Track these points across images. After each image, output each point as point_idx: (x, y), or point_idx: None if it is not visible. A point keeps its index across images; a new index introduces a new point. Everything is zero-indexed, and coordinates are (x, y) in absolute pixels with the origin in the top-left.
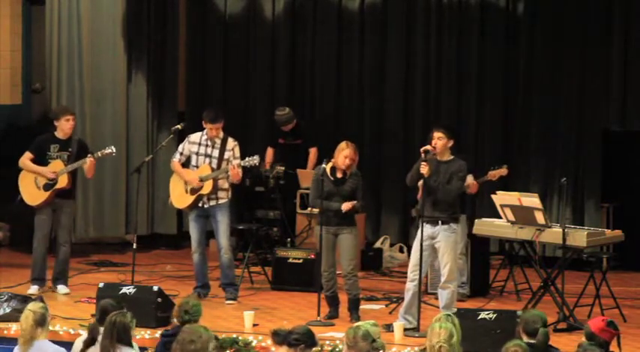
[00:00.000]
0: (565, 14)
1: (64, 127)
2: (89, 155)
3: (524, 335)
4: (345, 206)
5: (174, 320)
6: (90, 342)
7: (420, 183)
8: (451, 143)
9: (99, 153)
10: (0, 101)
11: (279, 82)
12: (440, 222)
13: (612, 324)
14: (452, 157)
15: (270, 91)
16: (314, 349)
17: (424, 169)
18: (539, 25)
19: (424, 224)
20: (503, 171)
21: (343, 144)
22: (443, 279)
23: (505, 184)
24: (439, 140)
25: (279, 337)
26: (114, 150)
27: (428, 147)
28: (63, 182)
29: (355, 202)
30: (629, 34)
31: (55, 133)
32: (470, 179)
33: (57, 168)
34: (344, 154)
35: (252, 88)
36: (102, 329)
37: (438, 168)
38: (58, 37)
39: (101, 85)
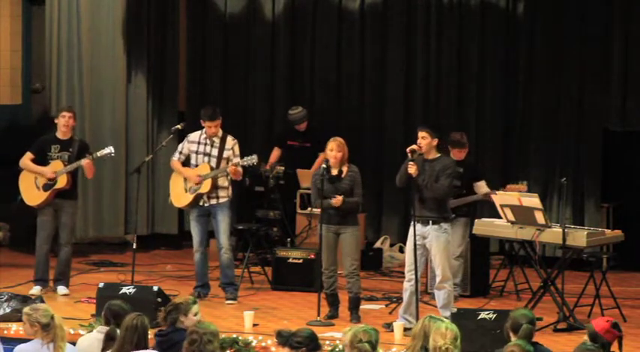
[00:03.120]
0: (565, 14)
1: (59, 124)
2: (87, 155)
3: (511, 333)
4: (336, 201)
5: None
6: (109, 346)
7: None
8: (436, 142)
9: (97, 154)
10: (0, 101)
11: (279, 82)
12: (430, 221)
13: (617, 326)
14: (438, 155)
15: (270, 91)
16: None
17: (412, 169)
18: (539, 25)
19: (414, 223)
20: (522, 187)
21: (329, 140)
22: (437, 280)
23: (505, 184)
24: (423, 139)
25: (282, 338)
26: (112, 151)
27: (414, 146)
28: (62, 182)
29: (343, 197)
30: (629, 34)
31: (57, 134)
32: (484, 186)
33: (56, 168)
34: (329, 148)
35: (252, 88)
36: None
37: (423, 167)
38: (58, 37)
39: (101, 85)
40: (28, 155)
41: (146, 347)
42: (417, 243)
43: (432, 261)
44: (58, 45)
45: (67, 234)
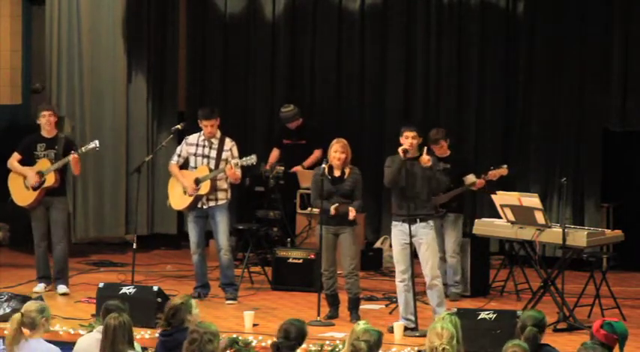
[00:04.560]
0: (565, 14)
1: (42, 124)
2: (72, 151)
3: (521, 335)
4: (352, 214)
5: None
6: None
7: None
8: (421, 140)
9: (82, 149)
10: (0, 101)
11: (279, 82)
12: (418, 219)
13: (608, 326)
14: (419, 154)
15: (270, 91)
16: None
17: (428, 162)
18: (539, 25)
19: (402, 222)
20: (503, 171)
21: (333, 141)
22: (428, 280)
23: (505, 184)
24: (414, 139)
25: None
26: (97, 145)
27: (406, 146)
28: (50, 180)
29: (353, 207)
30: (629, 34)
31: (41, 132)
32: (472, 177)
33: (43, 166)
34: (333, 150)
35: (252, 88)
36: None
37: (412, 166)
38: (58, 37)
39: (101, 84)
40: (15, 155)
41: (133, 343)
42: (405, 241)
43: (420, 259)
44: (58, 45)
45: (60, 231)
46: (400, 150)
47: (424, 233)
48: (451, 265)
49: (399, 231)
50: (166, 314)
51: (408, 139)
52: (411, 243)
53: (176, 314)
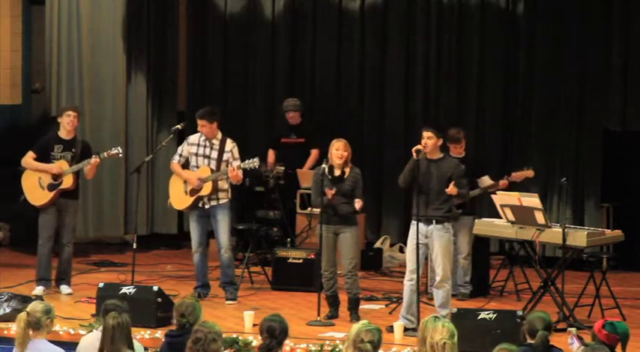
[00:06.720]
0: (565, 14)
1: (63, 123)
2: (94, 155)
3: (528, 337)
4: (358, 205)
5: (174, 322)
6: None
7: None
8: (440, 142)
9: (105, 154)
10: (0, 101)
11: (279, 82)
12: (434, 220)
13: (610, 326)
14: (442, 155)
15: (270, 91)
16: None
17: (454, 192)
18: (539, 25)
19: (417, 222)
20: (529, 173)
21: (334, 141)
22: (438, 279)
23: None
24: (429, 139)
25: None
26: (120, 151)
27: (419, 146)
28: (68, 182)
29: (360, 201)
30: (629, 34)
31: (59, 133)
32: (488, 180)
33: (61, 167)
34: (335, 148)
35: (252, 88)
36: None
37: (429, 167)
38: (58, 37)
39: (101, 85)
40: (31, 154)
41: (132, 344)
42: (419, 241)
43: (432, 260)
44: (58, 45)
45: (70, 234)
46: (413, 149)
47: (438, 235)
48: (462, 266)
49: (414, 230)
50: (183, 312)
51: (423, 139)
52: (425, 244)
53: (193, 312)
